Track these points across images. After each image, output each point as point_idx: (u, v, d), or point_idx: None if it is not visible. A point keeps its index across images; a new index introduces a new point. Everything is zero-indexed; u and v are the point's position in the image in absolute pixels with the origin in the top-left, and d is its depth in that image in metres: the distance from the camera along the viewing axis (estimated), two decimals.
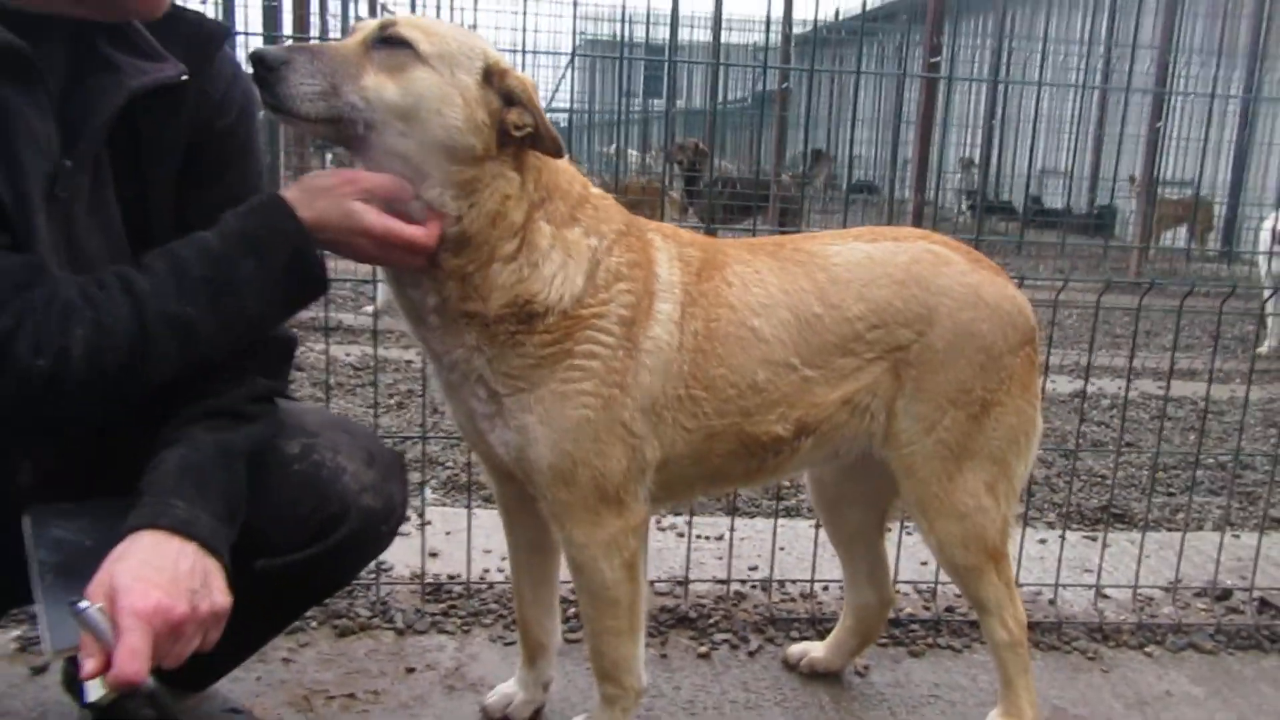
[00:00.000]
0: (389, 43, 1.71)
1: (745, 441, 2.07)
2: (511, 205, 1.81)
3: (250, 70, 1.66)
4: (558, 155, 1.83)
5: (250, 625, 1.70)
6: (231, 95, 1.79)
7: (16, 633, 2.56)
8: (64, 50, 1.60)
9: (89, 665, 1.37)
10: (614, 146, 18.79)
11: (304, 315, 1.82)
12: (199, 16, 1.78)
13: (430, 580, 3.01)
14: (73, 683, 2.12)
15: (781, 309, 2.06)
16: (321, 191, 1.67)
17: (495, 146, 1.77)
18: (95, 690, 1.37)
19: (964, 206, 16.25)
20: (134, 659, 1.36)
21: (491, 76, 1.77)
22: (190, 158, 1.73)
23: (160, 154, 1.70)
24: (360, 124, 1.68)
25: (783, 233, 10.72)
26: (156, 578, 1.44)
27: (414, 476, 4.06)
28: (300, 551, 1.81)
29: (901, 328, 2.10)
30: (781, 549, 3.30)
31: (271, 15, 5.48)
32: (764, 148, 17.59)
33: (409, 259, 1.76)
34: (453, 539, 3.33)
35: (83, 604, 1.38)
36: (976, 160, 16.38)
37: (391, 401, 5.24)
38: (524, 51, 4.62)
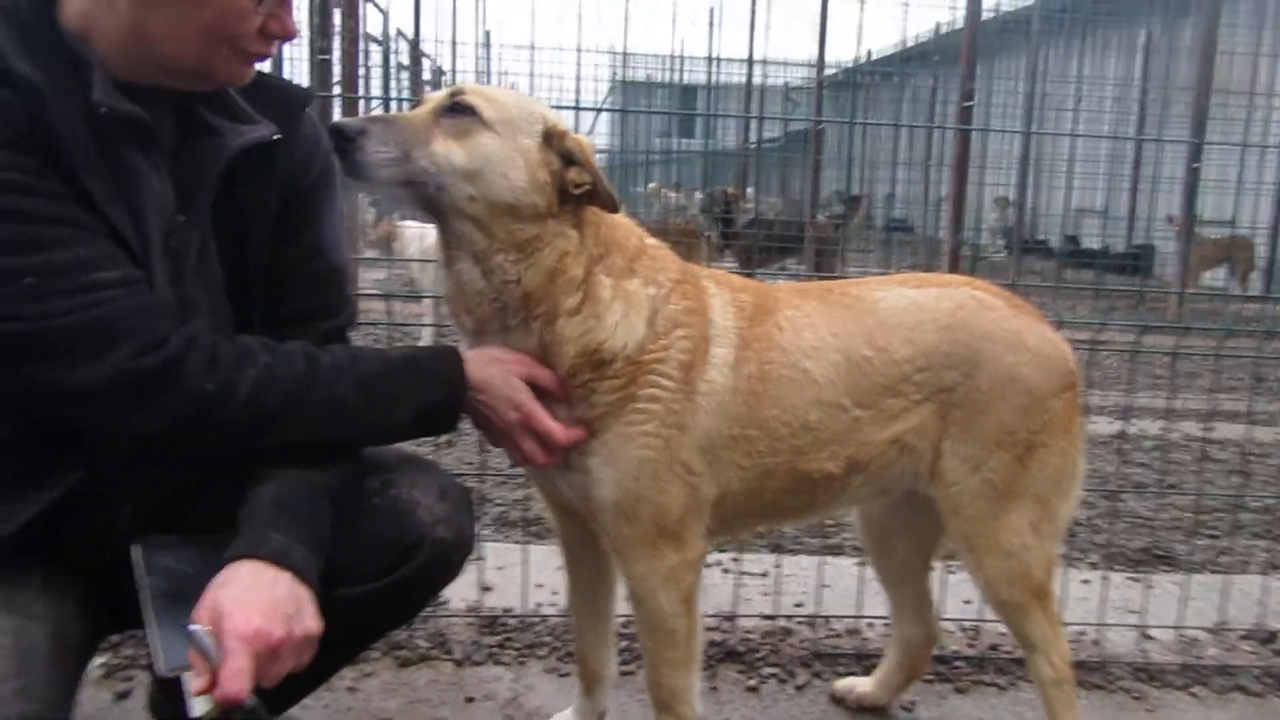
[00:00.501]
0: (456, 110, 1.85)
1: (798, 478, 2.16)
2: (570, 261, 1.93)
3: (331, 143, 1.81)
4: (614, 210, 1.96)
5: (326, 653, 1.81)
6: (314, 155, 1.95)
7: (101, 660, 2.68)
8: (170, 118, 1.78)
9: (198, 683, 1.48)
10: (650, 186, 19.12)
11: None
12: (283, 82, 1.96)
13: (486, 613, 3.10)
14: (158, 707, 2.24)
15: (832, 352, 2.15)
16: (494, 360, 1.90)
17: (556, 204, 1.90)
18: (201, 706, 1.48)
19: (1000, 245, 16.30)
20: (238, 678, 1.47)
21: (551, 138, 1.90)
22: (279, 212, 1.89)
23: (257, 210, 1.87)
24: (432, 186, 1.82)
25: (819, 276, 10.85)
26: (256, 603, 1.55)
27: None
28: (377, 581, 1.92)
29: (947, 370, 2.19)
30: (826, 586, 3.36)
31: (323, 70, 5.71)
32: (800, 184, 17.79)
33: (537, 453, 1.94)
34: (505, 574, 3.42)
35: (194, 627, 1.50)
36: (1011, 199, 16.46)
37: (442, 440, 5.36)
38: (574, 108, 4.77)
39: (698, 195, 14.54)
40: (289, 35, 1.76)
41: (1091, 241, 15.36)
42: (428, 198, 1.84)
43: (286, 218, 1.90)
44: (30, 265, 1.54)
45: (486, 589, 3.28)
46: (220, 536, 1.71)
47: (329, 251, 1.97)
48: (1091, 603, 3.40)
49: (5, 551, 1.68)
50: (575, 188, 1.91)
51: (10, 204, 1.54)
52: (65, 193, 1.58)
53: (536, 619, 3.11)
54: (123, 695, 2.55)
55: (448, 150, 1.82)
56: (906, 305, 2.23)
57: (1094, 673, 2.98)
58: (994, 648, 3.06)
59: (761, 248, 10.40)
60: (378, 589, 1.92)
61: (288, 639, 1.56)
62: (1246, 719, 2.80)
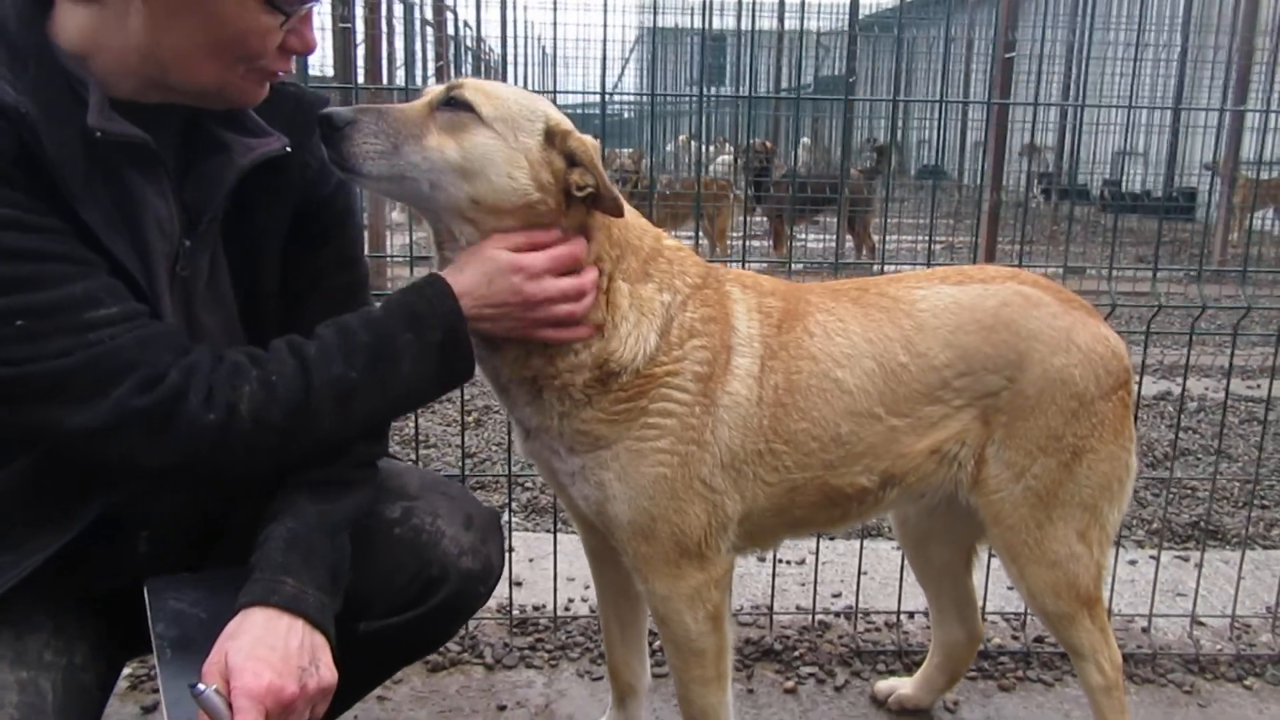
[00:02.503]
0: (452, 105, 1.74)
1: (828, 493, 2.06)
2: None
3: (318, 131, 1.70)
4: (618, 214, 1.84)
5: (349, 683, 1.75)
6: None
7: (128, 670, 2.66)
8: (178, 134, 1.67)
9: None
10: (680, 138, 18.80)
11: None
12: (297, 90, 1.84)
13: (517, 613, 3.04)
14: None
15: (866, 358, 2.03)
16: (475, 258, 1.75)
17: (564, 206, 1.80)
18: None
19: (1037, 191, 15.89)
20: None
21: (553, 137, 1.79)
22: (295, 226, 1.79)
23: (269, 226, 1.76)
24: (424, 182, 1.72)
25: (852, 233, 10.54)
26: (268, 656, 1.48)
27: (495, 498, 4.12)
28: (402, 614, 1.85)
29: (991, 374, 2.06)
30: (865, 573, 3.27)
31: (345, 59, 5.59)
32: (832, 135, 17.38)
33: (564, 333, 1.81)
34: (536, 566, 3.37)
35: (200, 686, 1.43)
36: (1039, 144, 15.97)
37: (470, 419, 5.30)
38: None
39: (728, 149, 14.24)
40: (309, 50, 1.65)
41: (1133, 186, 14.92)
42: (420, 194, 1.74)
43: (302, 231, 1.79)
44: (22, 305, 1.45)
45: (517, 584, 3.23)
46: (234, 573, 1.64)
47: (349, 265, 1.87)
48: (1139, 585, 3.29)
49: (21, 592, 1.62)
50: (578, 190, 1.79)
51: (1, 241, 1.45)
52: (61, 226, 1.49)
53: (568, 617, 3.05)
54: (149, 709, 2.53)
55: (441, 145, 1.71)
56: (947, 305, 2.09)
57: (1144, 665, 2.88)
58: (1040, 640, 2.96)
59: (796, 205, 10.16)
60: (401, 622, 1.85)
61: (301, 693, 1.49)
62: None
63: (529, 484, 4.34)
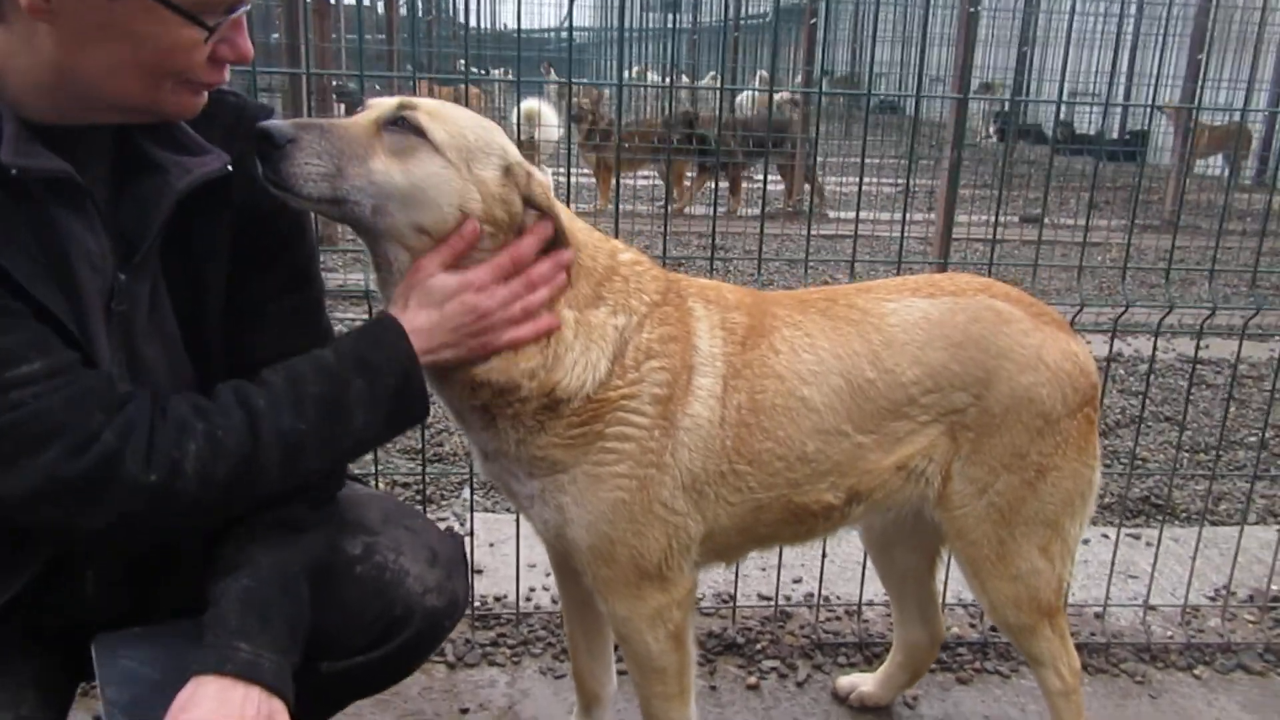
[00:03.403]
0: (401, 125, 1.66)
1: (794, 511, 2.04)
2: None
3: (255, 146, 1.59)
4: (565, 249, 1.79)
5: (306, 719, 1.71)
6: None
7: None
8: (107, 156, 1.56)
9: None
10: (634, 69, 18.45)
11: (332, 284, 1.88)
12: (238, 101, 1.71)
13: (478, 605, 3.02)
14: None
15: (833, 375, 1.99)
16: (417, 290, 1.69)
17: (510, 240, 1.74)
18: None
19: (991, 131, 15.88)
20: None
21: (513, 176, 1.73)
22: (241, 244, 1.68)
23: (210, 248, 1.65)
24: (367, 208, 1.64)
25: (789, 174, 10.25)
26: None
27: (455, 477, 4.07)
28: (364, 654, 1.80)
29: (958, 391, 2.04)
30: (826, 556, 3.28)
31: None
32: (789, 66, 17.10)
33: (521, 333, 1.76)
34: (497, 553, 3.34)
35: None
36: (994, 82, 15.89)
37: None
38: None
39: (685, 81, 13.95)
40: (243, 59, 1.52)
41: (1086, 128, 14.97)
42: (360, 219, 1.66)
43: (249, 250, 1.68)
44: None
45: (478, 572, 3.20)
46: (186, 626, 1.59)
47: (301, 284, 1.76)
48: (1092, 567, 3.34)
49: None
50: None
51: None
52: None
53: (530, 609, 3.03)
54: None
55: (387, 170, 1.63)
56: (917, 320, 2.06)
57: (1097, 654, 2.93)
58: (996, 629, 3.00)
59: (735, 162, 9.93)
60: (364, 662, 1.80)
61: None
62: (1250, 702, 2.76)
63: None
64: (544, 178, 1.77)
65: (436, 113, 1.69)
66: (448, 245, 1.70)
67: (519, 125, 6.97)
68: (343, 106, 9.29)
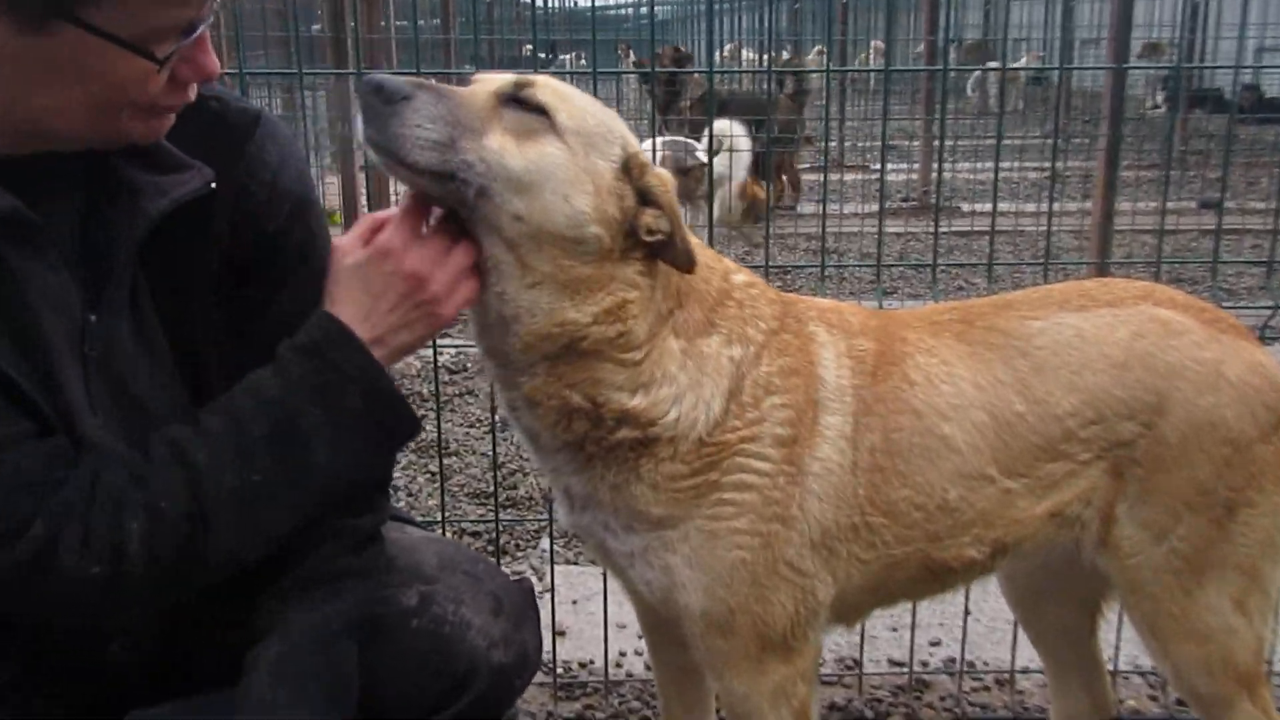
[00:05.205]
0: (523, 104, 1.72)
1: (930, 567, 2.05)
2: (633, 311, 1.79)
3: (360, 99, 1.64)
4: (688, 270, 1.82)
5: None
6: (280, 189, 1.77)
7: None
8: (81, 183, 1.62)
9: None
10: (729, 49, 18.53)
11: None
12: (220, 107, 1.75)
13: (561, 671, 3.07)
14: None
15: (976, 409, 2.00)
16: (358, 274, 1.68)
17: (620, 245, 1.77)
18: None
19: (1158, 99, 15.51)
20: None
21: (630, 168, 1.78)
22: (243, 268, 1.74)
23: (195, 268, 1.71)
24: (473, 189, 1.68)
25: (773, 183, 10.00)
26: None
27: (531, 525, 4.14)
28: (428, 718, 1.86)
29: (1124, 421, 2.02)
30: (970, 614, 3.23)
31: None
32: (910, 37, 16.98)
33: (457, 295, 1.73)
34: (581, 611, 3.39)
35: None
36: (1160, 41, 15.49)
37: (498, 417, 5.31)
38: None
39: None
40: (209, 76, 1.57)
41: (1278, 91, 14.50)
42: (461, 199, 1.70)
43: (254, 272, 1.75)
44: None
45: (560, 634, 3.25)
46: (220, 700, 1.66)
47: (316, 302, 1.76)
48: None
49: None
50: (648, 234, 1.78)
51: None
52: None
53: (621, 677, 3.07)
54: None
55: (503, 149, 1.69)
56: (1069, 339, 2.05)
57: None
58: (1183, 703, 2.93)
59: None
60: None
61: None
62: None
63: None
64: (665, 173, 1.81)
65: (561, 92, 1.77)
66: (356, 228, 1.73)
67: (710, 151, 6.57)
68: None
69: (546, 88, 1.75)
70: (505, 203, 1.69)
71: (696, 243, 1.93)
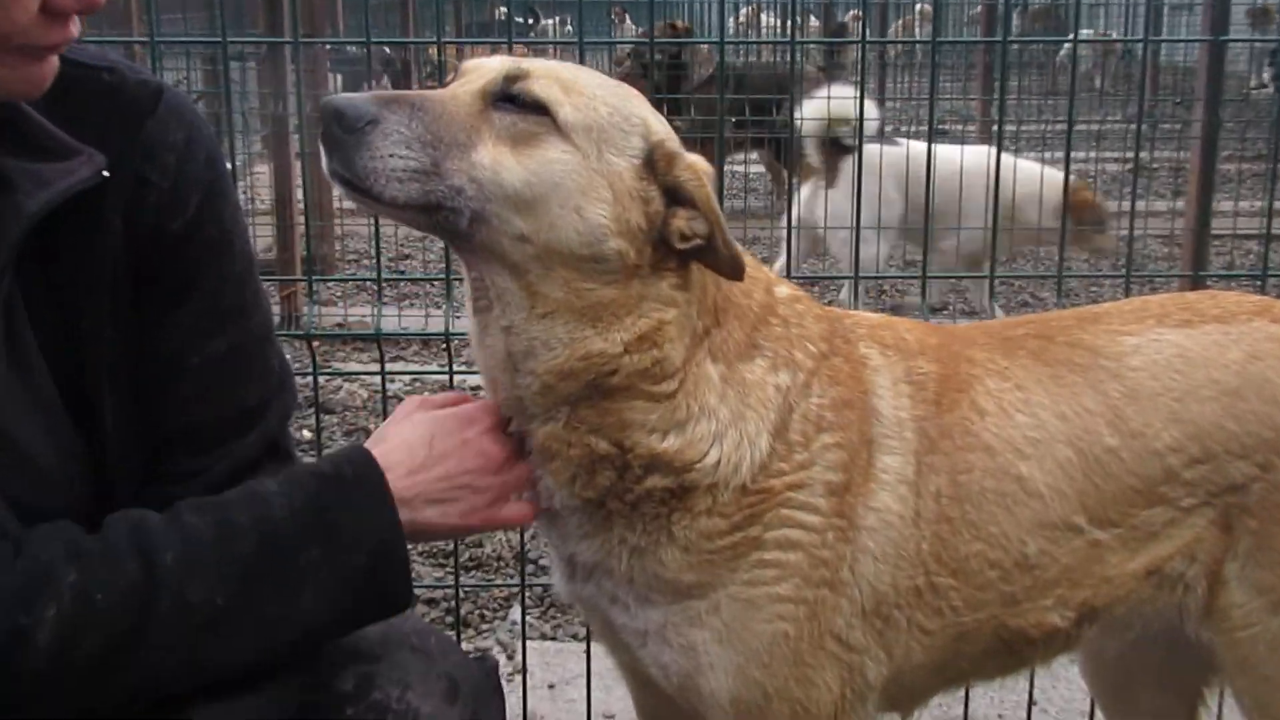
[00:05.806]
0: (517, 102, 1.72)
1: (1005, 638, 2.07)
2: (668, 338, 1.81)
3: (321, 126, 1.66)
4: (736, 278, 1.82)
5: None
6: (187, 177, 1.76)
7: None
8: None
9: None
10: (744, 14, 18.67)
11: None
12: (115, 80, 1.74)
13: None
14: None
15: (1059, 444, 2.04)
16: (419, 434, 1.78)
17: (648, 257, 1.78)
18: None
19: (1265, 78, 15.72)
20: None
21: (655, 162, 1.78)
22: (139, 272, 1.73)
23: (86, 271, 1.71)
24: (465, 218, 1.69)
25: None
26: None
27: (500, 591, 4.15)
28: None
29: (1236, 460, 2.06)
30: (1035, 704, 3.27)
31: None
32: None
33: (522, 512, 1.92)
34: (559, 697, 3.40)
35: None
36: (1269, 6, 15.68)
37: None
38: None
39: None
40: (90, 7, 1.55)
41: None
42: (454, 229, 1.73)
43: (160, 274, 1.73)
44: None
45: None
46: None
47: (231, 320, 1.81)
48: None
49: None
50: (682, 240, 1.78)
51: None
52: None
53: None
54: None
55: (497, 163, 1.69)
56: (1169, 360, 2.10)
57: None
58: None
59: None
60: None
61: None
62: None
63: (547, 561, 4.38)
64: (700, 161, 1.79)
65: (562, 78, 1.76)
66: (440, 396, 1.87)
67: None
68: (338, 78, 9.54)
69: (544, 78, 1.74)
70: (505, 224, 1.71)
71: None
